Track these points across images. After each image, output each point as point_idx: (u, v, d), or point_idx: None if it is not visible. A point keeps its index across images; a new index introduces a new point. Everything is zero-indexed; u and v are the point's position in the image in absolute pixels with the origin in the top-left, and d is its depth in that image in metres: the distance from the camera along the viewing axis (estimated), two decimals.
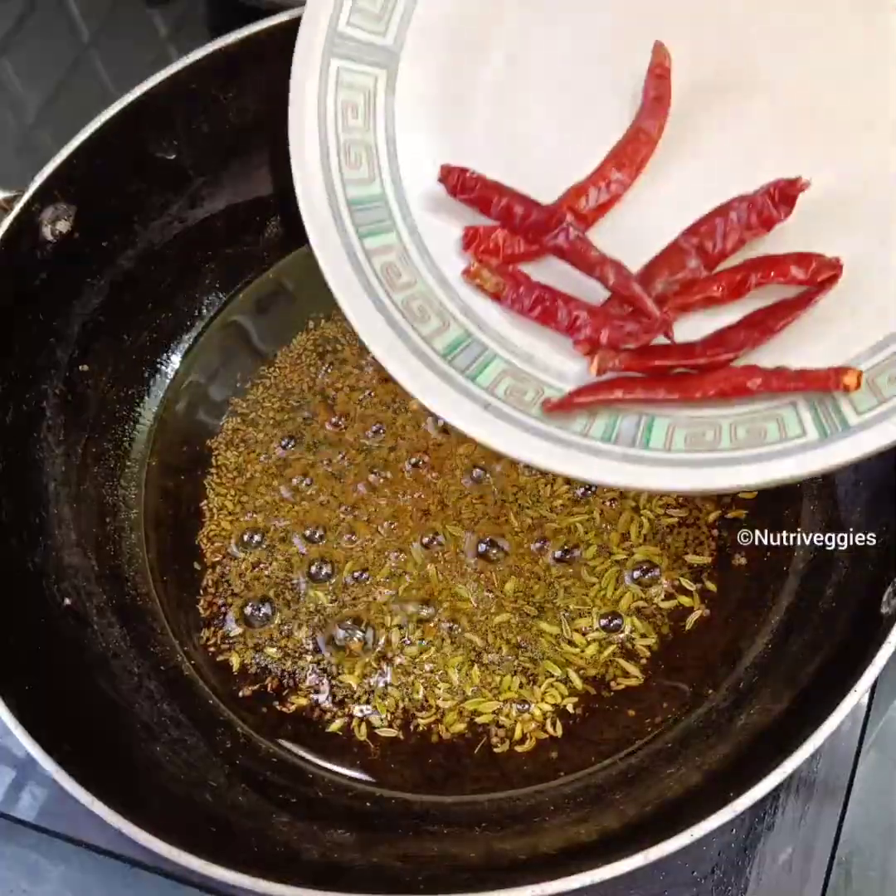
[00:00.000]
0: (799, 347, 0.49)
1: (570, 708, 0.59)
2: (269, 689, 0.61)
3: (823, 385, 0.47)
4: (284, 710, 0.61)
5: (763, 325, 0.50)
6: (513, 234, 0.53)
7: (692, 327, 0.51)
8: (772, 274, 0.50)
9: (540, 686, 0.59)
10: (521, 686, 0.60)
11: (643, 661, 0.60)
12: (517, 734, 0.59)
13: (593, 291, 0.51)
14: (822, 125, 0.53)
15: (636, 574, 0.62)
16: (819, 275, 0.50)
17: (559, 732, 0.59)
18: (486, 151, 0.55)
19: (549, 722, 0.59)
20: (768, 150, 0.53)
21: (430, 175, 0.55)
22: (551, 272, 0.53)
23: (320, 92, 0.55)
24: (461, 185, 0.53)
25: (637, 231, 0.53)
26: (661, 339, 0.50)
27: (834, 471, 0.48)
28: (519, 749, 0.58)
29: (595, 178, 0.53)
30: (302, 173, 0.54)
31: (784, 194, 0.50)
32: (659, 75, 0.53)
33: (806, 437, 0.47)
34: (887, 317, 0.49)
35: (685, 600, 0.61)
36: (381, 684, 0.61)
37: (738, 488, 0.49)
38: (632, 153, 0.53)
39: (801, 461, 0.47)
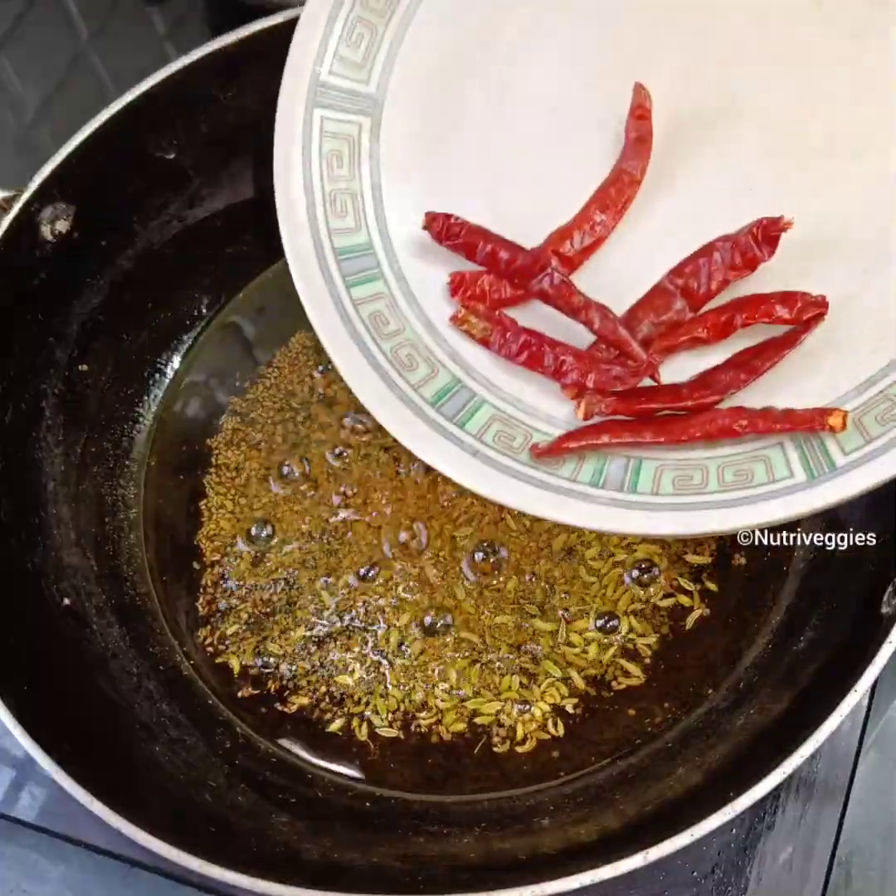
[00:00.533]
0: (785, 386, 0.50)
1: (569, 708, 0.59)
2: (268, 689, 0.61)
3: (809, 426, 0.48)
4: (285, 710, 0.61)
5: (748, 366, 0.50)
6: (499, 279, 0.53)
7: (678, 368, 0.52)
8: (757, 314, 0.50)
9: (540, 686, 0.59)
10: (521, 686, 0.60)
11: (646, 660, 0.60)
12: (519, 734, 0.59)
13: (580, 335, 0.52)
14: (809, 156, 0.52)
15: (636, 574, 0.62)
16: (804, 313, 0.50)
17: (560, 732, 0.59)
18: (471, 192, 0.55)
19: (550, 722, 0.59)
20: (755, 185, 0.53)
21: (415, 221, 0.55)
22: (538, 316, 0.53)
23: (305, 142, 0.56)
24: (446, 231, 0.54)
25: (622, 272, 0.53)
26: (647, 382, 0.51)
27: (823, 511, 0.48)
28: (519, 749, 0.58)
29: (579, 221, 0.53)
30: (289, 226, 0.55)
31: (767, 234, 0.50)
32: (640, 116, 0.53)
33: (793, 478, 0.48)
34: (873, 355, 0.49)
35: (685, 600, 0.61)
36: (382, 685, 0.61)
37: (726, 532, 0.49)
38: (615, 195, 0.53)
39: (789, 503, 0.47)
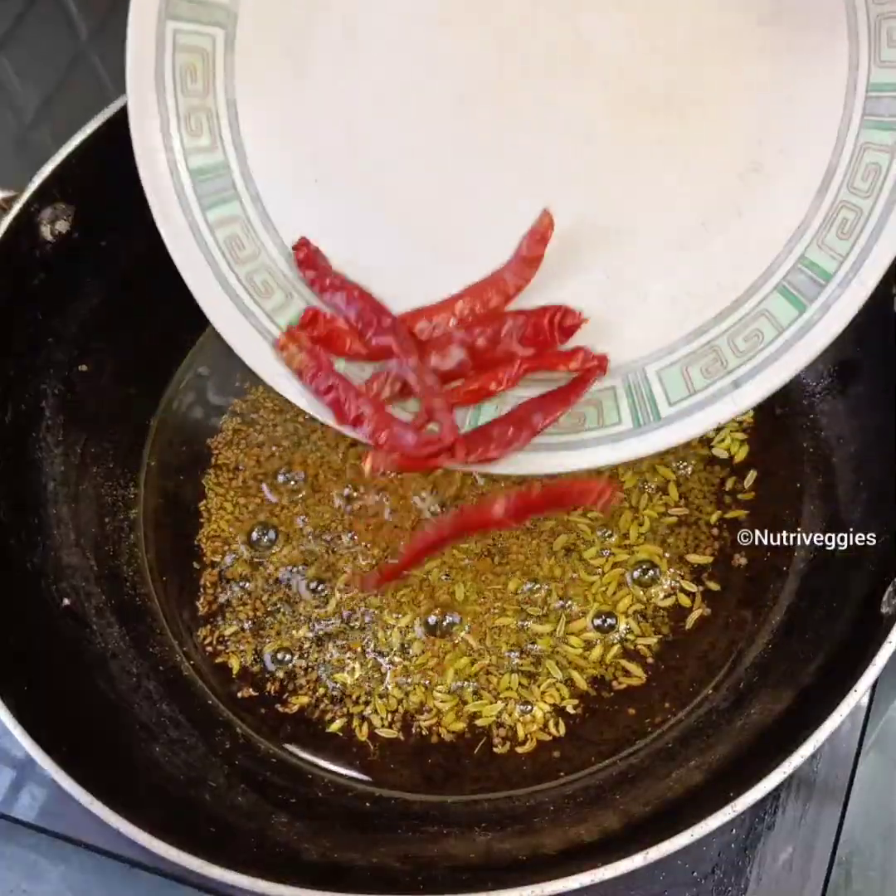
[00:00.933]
0: (615, 334, 0.52)
1: (570, 708, 0.59)
2: (268, 690, 0.61)
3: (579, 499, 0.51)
4: (285, 710, 0.61)
5: (529, 422, 0.51)
6: (349, 330, 0.53)
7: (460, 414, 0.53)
8: (542, 365, 0.52)
9: (540, 686, 0.59)
10: (521, 686, 0.60)
11: (647, 660, 0.60)
12: (520, 735, 0.59)
13: None
14: (651, 109, 0.51)
15: (636, 574, 0.62)
16: (587, 364, 0.51)
17: (561, 732, 0.59)
18: (330, 127, 0.54)
19: (551, 723, 0.59)
20: (595, 135, 0.52)
21: (274, 144, 0.54)
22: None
23: (158, 57, 0.53)
24: (309, 260, 0.54)
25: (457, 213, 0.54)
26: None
27: (648, 457, 0.51)
28: (519, 750, 0.58)
29: (441, 308, 0.53)
30: (143, 147, 0.53)
31: (563, 325, 0.52)
32: (537, 240, 0.52)
33: (621, 425, 0.50)
34: (704, 306, 0.51)
35: (685, 600, 0.61)
36: (381, 685, 0.61)
37: (560, 472, 0.51)
38: (484, 299, 0.53)
39: (616, 448, 0.50)
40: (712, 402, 0.50)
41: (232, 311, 0.53)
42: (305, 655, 0.62)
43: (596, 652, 0.60)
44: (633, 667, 0.60)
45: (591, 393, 0.51)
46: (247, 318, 0.53)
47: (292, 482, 0.67)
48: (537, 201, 0.51)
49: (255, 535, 0.65)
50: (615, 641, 0.60)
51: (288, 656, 0.62)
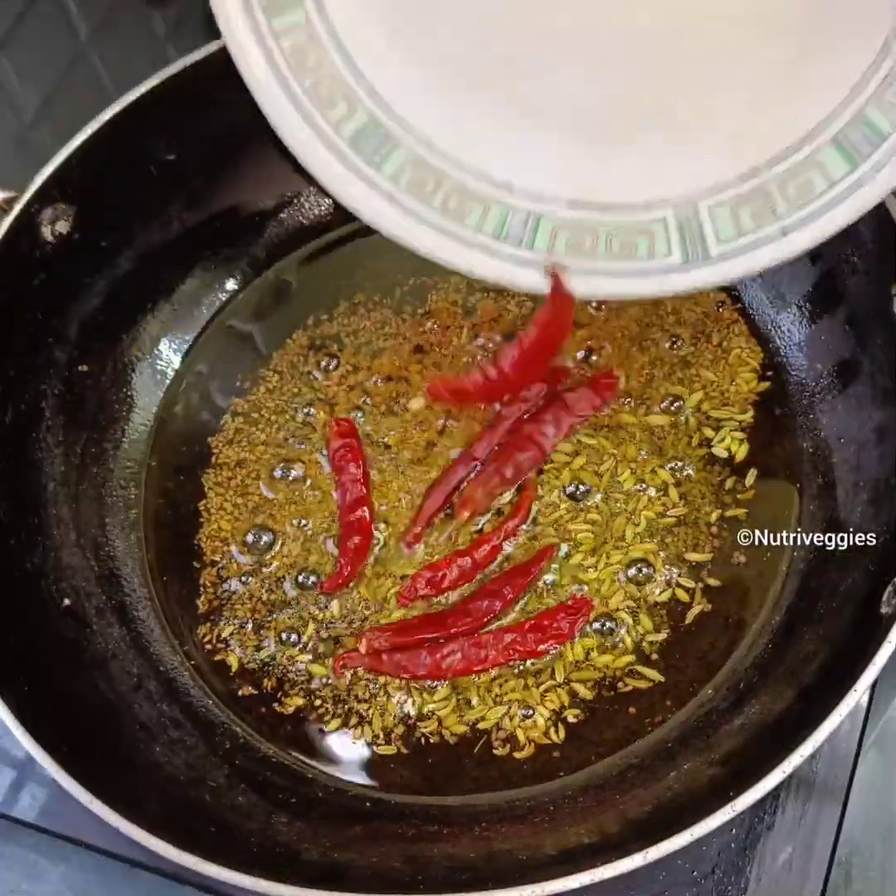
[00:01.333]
0: (669, 161, 0.53)
1: (570, 711, 0.59)
2: (267, 688, 0.61)
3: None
4: (283, 711, 0.61)
5: (500, 594, 0.60)
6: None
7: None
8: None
9: (540, 688, 0.59)
10: (526, 688, 0.59)
11: (652, 657, 0.60)
12: (521, 739, 0.58)
13: None
14: None
15: (632, 572, 0.62)
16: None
17: (562, 736, 0.58)
18: None
19: (552, 729, 0.59)
20: None
21: None
22: None
23: None
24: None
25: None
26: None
27: (692, 293, 0.53)
28: (518, 755, 0.58)
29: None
30: None
31: (602, 385, 0.65)
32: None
33: (671, 257, 0.52)
34: (759, 149, 0.52)
35: (683, 596, 0.61)
36: (382, 686, 0.60)
37: (607, 299, 0.55)
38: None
39: (664, 280, 0.53)
40: (760, 246, 0.52)
41: (298, 121, 0.52)
42: (306, 655, 0.62)
43: (597, 657, 0.60)
44: (649, 671, 0.59)
45: (643, 223, 0.53)
46: (312, 129, 0.52)
47: (293, 482, 0.67)
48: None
49: (255, 534, 0.65)
50: (615, 643, 0.60)
51: (288, 655, 0.62)
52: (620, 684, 0.59)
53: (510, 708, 0.59)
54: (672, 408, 0.66)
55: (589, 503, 0.64)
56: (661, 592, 0.61)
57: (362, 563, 0.63)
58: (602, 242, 0.53)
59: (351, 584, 0.63)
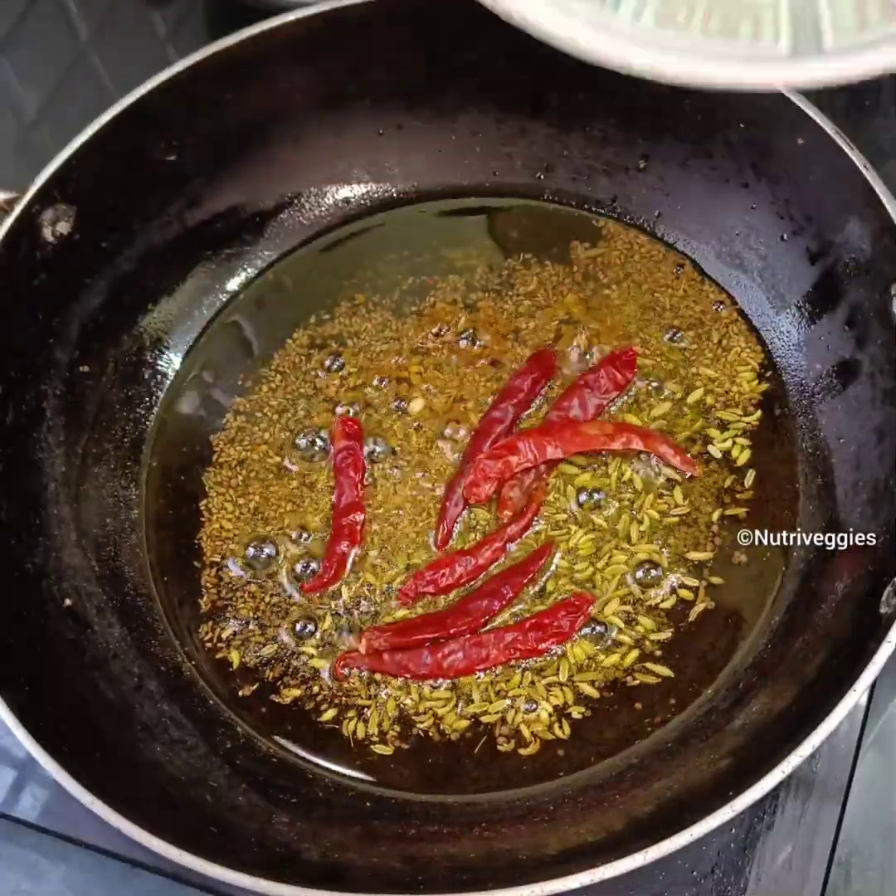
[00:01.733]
0: None
1: (575, 707, 0.59)
2: (267, 681, 0.61)
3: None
4: (281, 700, 0.60)
5: (499, 593, 0.61)
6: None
7: None
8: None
9: (544, 683, 0.59)
10: (532, 684, 0.59)
11: (657, 655, 0.60)
12: (526, 735, 0.58)
13: None
14: None
15: (639, 575, 0.62)
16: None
17: (566, 733, 0.58)
18: None
19: (556, 725, 0.59)
20: None
21: None
22: None
23: None
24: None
25: None
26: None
27: (796, 89, 0.45)
28: (523, 752, 0.58)
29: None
30: None
31: (623, 361, 0.67)
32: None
33: (779, 44, 0.44)
34: None
35: (687, 594, 0.61)
36: (382, 687, 0.61)
37: (690, 81, 0.45)
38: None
39: (766, 72, 0.44)
40: (883, 45, 0.43)
41: None
42: (306, 654, 0.62)
43: (601, 656, 0.60)
44: (658, 667, 0.59)
45: (748, 5, 0.45)
46: None
47: (293, 481, 0.67)
48: None
49: (256, 534, 0.65)
50: (616, 642, 0.60)
51: (288, 654, 0.62)
52: (629, 679, 0.59)
53: (514, 702, 0.59)
54: (675, 406, 0.67)
55: (592, 502, 0.64)
56: (665, 599, 0.61)
57: (346, 568, 0.63)
58: (698, 18, 0.45)
59: (331, 588, 0.63)
